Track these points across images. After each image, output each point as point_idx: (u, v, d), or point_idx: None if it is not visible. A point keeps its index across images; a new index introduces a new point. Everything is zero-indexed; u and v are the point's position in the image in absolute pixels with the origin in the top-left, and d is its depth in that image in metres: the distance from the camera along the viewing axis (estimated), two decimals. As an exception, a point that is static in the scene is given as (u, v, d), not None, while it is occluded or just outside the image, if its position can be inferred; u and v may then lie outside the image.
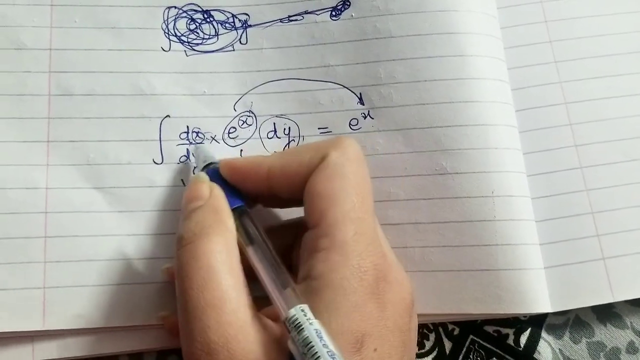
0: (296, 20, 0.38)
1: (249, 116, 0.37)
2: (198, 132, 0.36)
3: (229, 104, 0.37)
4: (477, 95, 0.36)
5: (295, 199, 0.31)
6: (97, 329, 0.34)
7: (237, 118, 0.37)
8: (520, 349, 0.36)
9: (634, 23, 0.40)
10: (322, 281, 0.28)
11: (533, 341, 0.36)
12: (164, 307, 0.34)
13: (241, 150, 0.37)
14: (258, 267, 0.29)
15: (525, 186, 0.36)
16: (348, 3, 0.38)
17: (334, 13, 0.38)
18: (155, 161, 0.36)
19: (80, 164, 0.36)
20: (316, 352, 0.25)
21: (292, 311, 0.26)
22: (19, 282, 0.34)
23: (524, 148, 0.37)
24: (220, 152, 0.36)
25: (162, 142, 0.36)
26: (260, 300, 0.29)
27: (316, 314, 0.27)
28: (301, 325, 0.26)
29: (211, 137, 0.36)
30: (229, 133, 0.37)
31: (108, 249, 0.35)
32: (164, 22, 0.38)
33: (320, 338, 0.25)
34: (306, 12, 0.38)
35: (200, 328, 0.27)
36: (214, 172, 0.33)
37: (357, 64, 0.37)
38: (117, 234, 0.35)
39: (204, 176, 0.33)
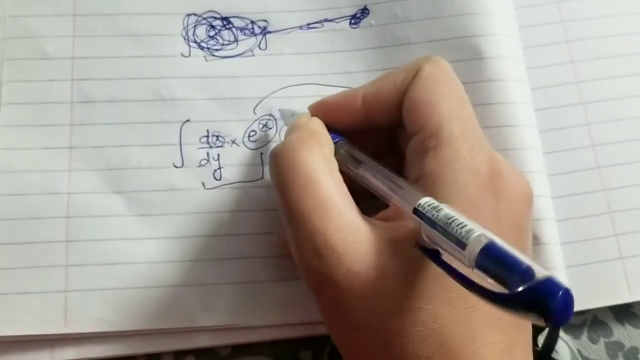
0: (316, 27, 0.38)
1: (269, 119, 0.37)
2: (218, 135, 0.37)
3: (249, 108, 0.37)
4: (497, 97, 0.36)
5: (393, 125, 0.31)
6: (117, 331, 0.34)
7: (258, 121, 0.37)
8: (539, 348, 0.36)
9: (650, 23, 0.39)
10: (435, 178, 0.27)
11: (551, 341, 0.36)
12: (184, 310, 0.34)
13: (261, 154, 0.37)
14: (372, 179, 0.29)
15: (547, 186, 0.36)
16: (367, 11, 0.38)
17: (353, 21, 0.38)
18: (176, 165, 0.36)
19: (102, 169, 0.36)
20: (462, 222, 0.23)
21: (425, 198, 0.26)
22: (40, 286, 0.34)
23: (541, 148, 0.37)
24: (242, 156, 0.36)
25: (182, 146, 0.37)
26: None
27: None
28: (438, 206, 0.25)
29: (231, 140, 0.37)
30: (249, 136, 0.37)
31: (129, 253, 0.35)
32: (184, 29, 0.38)
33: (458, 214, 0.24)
34: (326, 20, 0.38)
35: (307, 235, 0.27)
36: None
37: (378, 70, 0.37)
38: (138, 237, 0.35)
39: (306, 113, 0.33)
